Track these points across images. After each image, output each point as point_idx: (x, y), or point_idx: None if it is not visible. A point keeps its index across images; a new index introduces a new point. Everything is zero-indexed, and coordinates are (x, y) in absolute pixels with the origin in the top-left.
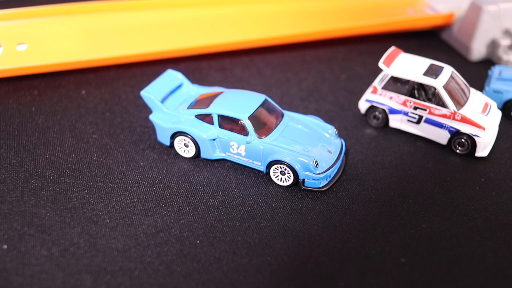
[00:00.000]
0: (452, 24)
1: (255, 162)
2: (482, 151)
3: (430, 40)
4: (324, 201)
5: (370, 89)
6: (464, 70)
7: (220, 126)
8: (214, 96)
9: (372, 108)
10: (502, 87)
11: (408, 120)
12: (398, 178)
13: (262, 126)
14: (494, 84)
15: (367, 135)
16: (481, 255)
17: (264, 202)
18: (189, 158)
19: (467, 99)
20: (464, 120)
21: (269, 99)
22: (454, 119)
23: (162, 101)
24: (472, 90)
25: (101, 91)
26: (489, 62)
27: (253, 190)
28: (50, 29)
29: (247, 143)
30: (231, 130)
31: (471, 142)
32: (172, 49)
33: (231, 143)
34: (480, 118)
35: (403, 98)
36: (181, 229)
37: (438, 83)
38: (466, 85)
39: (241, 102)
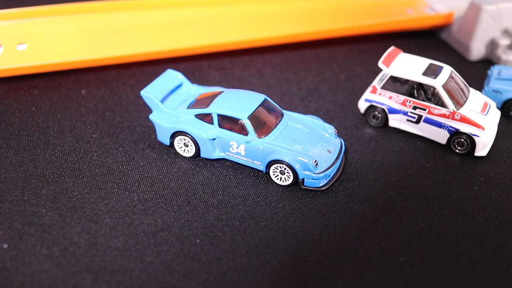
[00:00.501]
0: (451, 24)
1: (254, 162)
2: (481, 150)
3: (429, 40)
4: (324, 201)
5: (369, 88)
6: (463, 69)
7: (220, 125)
8: (214, 96)
9: (371, 108)
10: (501, 87)
11: (408, 120)
12: (397, 178)
13: (262, 126)
14: (493, 83)
15: (366, 135)
16: (481, 254)
17: (264, 201)
18: (189, 158)
19: (467, 98)
20: (464, 119)
21: (269, 99)
22: (453, 118)
23: (162, 100)
24: (472, 89)
25: (101, 91)
26: (488, 61)
27: (252, 190)
28: (50, 29)
29: (246, 142)
30: (231, 129)
31: (471, 142)
32: (172, 49)
33: (231, 143)
34: (479, 118)
35: (402, 97)
36: (181, 228)
37: (437, 83)
38: (465, 84)
39: (240, 102)
